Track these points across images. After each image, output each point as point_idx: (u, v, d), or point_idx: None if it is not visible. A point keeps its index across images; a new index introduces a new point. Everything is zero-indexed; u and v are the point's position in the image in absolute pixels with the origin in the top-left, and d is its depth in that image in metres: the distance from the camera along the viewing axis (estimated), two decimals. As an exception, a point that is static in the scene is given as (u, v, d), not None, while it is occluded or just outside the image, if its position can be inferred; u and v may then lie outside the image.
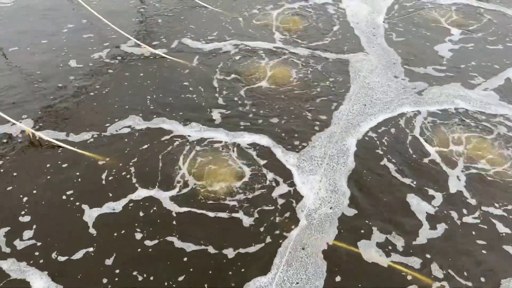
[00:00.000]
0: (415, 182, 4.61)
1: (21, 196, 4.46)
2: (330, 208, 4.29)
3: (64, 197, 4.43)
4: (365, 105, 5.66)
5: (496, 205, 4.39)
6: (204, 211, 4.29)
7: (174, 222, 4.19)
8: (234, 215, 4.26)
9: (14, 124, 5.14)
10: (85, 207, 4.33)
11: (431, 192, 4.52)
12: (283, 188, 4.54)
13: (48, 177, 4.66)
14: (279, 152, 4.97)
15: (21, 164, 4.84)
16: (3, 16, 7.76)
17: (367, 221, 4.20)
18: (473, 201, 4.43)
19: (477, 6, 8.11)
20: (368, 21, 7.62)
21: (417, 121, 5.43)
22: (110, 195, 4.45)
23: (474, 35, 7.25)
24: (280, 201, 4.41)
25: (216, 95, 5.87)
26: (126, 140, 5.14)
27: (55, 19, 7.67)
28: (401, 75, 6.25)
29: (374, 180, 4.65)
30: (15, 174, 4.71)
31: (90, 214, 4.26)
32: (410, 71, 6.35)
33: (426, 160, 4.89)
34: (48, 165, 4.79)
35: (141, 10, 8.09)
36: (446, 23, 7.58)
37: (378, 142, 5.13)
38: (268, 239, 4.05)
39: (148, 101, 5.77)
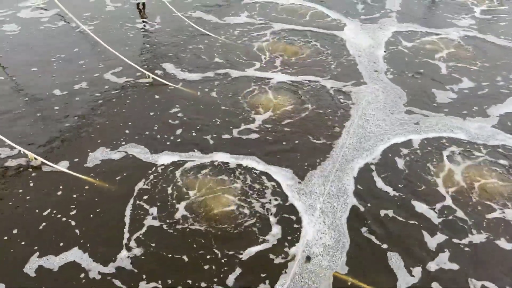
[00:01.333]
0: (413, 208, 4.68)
1: (22, 219, 4.51)
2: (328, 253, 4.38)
3: (64, 219, 4.53)
4: (361, 139, 5.71)
5: (503, 238, 4.46)
6: (200, 238, 4.39)
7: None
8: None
9: (16, 148, 5.21)
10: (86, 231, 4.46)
11: (432, 227, 4.56)
12: (280, 220, 4.57)
13: (49, 200, 4.72)
14: (279, 183, 5.01)
15: (23, 188, 4.87)
16: (10, 43, 7.86)
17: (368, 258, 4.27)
18: (478, 236, 4.45)
19: (476, 37, 8.26)
20: (368, 52, 7.73)
21: (416, 151, 5.48)
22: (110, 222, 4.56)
23: (472, 67, 7.35)
24: (278, 236, 4.42)
25: (218, 122, 5.95)
26: (128, 166, 5.20)
27: (60, 47, 7.77)
28: (399, 106, 6.31)
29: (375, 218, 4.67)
30: (17, 197, 4.75)
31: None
32: (408, 101, 6.42)
33: (427, 190, 4.94)
34: (50, 189, 4.86)
35: (145, 39, 8.22)
36: (445, 54, 7.71)
37: (377, 174, 5.19)
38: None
39: (149, 127, 5.84)
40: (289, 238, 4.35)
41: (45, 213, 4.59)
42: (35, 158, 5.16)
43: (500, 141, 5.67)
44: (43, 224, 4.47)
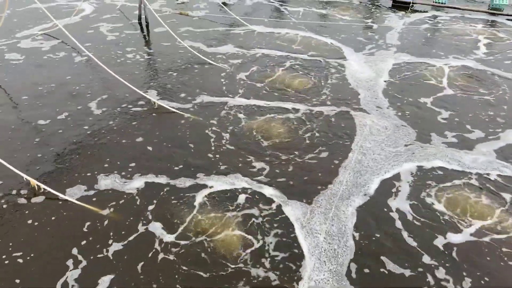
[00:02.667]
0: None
1: (22, 247, 4.38)
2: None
3: (65, 247, 4.38)
4: (359, 173, 5.63)
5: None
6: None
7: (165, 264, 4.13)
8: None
9: (20, 175, 5.11)
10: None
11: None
12: (283, 250, 4.47)
13: (51, 227, 4.60)
14: (283, 209, 4.92)
15: (26, 214, 4.75)
16: (14, 71, 7.85)
17: None
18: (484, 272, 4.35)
19: (475, 68, 8.33)
20: (368, 82, 7.76)
21: (414, 182, 5.41)
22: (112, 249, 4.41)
23: (473, 96, 7.38)
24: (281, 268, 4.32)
25: (219, 148, 5.89)
26: (131, 194, 5.08)
27: (63, 75, 7.77)
28: (398, 136, 6.27)
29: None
30: (21, 223, 4.66)
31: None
32: (407, 131, 6.38)
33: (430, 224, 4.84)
34: (52, 218, 4.74)
35: (148, 66, 8.24)
36: (444, 85, 7.74)
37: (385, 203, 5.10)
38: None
39: (153, 154, 5.76)
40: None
41: (48, 243, 4.43)
42: (38, 185, 5.03)
43: (501, 172, 5.61)
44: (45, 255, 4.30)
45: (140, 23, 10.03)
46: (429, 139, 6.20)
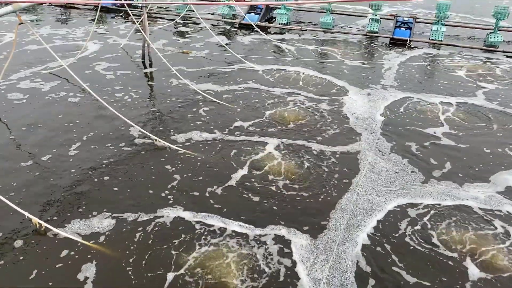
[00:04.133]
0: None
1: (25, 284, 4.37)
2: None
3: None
4: (356, 213, 5.66)
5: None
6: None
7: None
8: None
9: (21, 213, 5.12)
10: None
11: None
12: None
13: (54, 267, 4.58)
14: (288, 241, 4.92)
15: (27, 254, 4.74)
16: (18, 110, 7.97)
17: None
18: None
19: (473, 104, 8.46)
20: (367, 119, 7.87)
21: (416, 219, 5.41)
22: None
23: (472, 133, 7.47)
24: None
25: (219, 184, 5.92)
26: (132, 232, 5.08)
27: (65, 113, 7.89)
28: (398, 173, 6.30)
29: None
30: (22, 263, 4.62)
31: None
32: (408, 168, 6.43)
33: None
34: (54, 256, 4.72)
35: (150, 103, 8.38)
36: (443, 121, 7.85)
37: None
38: None
39: (153, 190, 5.78)
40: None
41: (49, 284, 4.40)
42: (39, 223, 5.03)
43: (505, 208, 5.61)
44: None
45: (143, 62, 10.25)
46: (428, 176, 6.22)
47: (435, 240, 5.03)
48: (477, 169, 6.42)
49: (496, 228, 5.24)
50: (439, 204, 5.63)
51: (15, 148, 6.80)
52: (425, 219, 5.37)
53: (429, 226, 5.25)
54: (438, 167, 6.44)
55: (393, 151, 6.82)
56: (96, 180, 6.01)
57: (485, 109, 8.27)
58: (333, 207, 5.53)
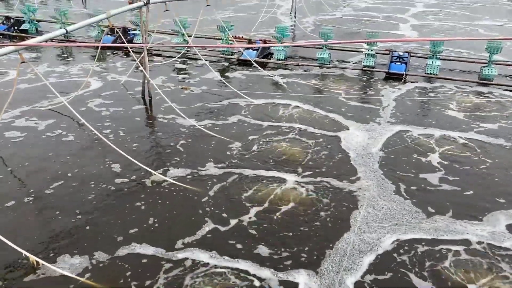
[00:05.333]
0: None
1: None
2: None
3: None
4: (357, 251, 5.63)
5: None
6: None
7: None
8: None
9: (18, 250, 5.07)
10: None
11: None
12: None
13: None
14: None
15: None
16: (15, 146, 8.02)
17: None
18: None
19: (469, 138, 8.54)
20: (366, 152, 7.93)
21: (420, 257, 5.38)
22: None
23: (469, 167, 7.49)
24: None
25: (214, 220, 5.90)
26: (130, 270, 5.03)
27: (63, 148, 7.93)
28: (401, 209, 6.28)
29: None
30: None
31: None
32: (410, 203, 6.41)
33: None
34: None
35: (154, 140, 8.45)
36: (440, 155, 7.89)
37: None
38: None
39: (152, 227, 5.75)
40: None
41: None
42: (36, 261, 4.97)
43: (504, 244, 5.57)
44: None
45: (143, 98, 10.37)
46: (427, 212, 6.19)
47: (441, 276, 4.97)
48: (477, 206, 6.39)
49: (501, 268, 5.19)
50: (440, 240, 5.59)
51: (10, 185, 6.78)
52: (427, 256, 5.32)
53: (432, 263, 5.20)
54: (438, 203, 6.42)
55: (392, 186, 6.81)
56: (93, 215, 5.97)
57: (481, 143, 8.32)
58: (330, 247, 5.45)
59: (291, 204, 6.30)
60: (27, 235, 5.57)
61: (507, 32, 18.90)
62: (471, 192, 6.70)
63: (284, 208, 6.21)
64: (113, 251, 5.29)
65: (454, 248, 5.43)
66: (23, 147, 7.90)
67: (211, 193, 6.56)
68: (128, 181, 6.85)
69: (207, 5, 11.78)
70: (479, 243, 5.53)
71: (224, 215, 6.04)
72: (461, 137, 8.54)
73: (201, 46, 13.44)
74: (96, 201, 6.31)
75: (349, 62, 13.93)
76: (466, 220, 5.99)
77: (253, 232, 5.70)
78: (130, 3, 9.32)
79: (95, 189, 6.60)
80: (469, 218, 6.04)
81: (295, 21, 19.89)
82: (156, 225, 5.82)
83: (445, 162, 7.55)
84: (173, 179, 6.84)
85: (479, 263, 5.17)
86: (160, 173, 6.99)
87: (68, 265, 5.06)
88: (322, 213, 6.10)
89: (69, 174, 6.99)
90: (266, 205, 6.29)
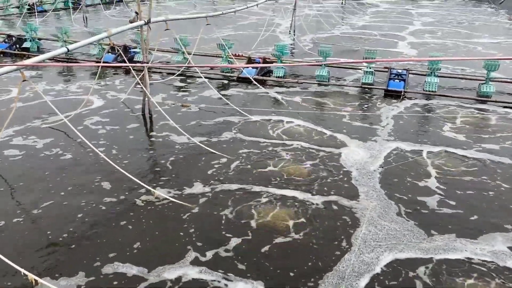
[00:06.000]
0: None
1: None
2: None
3: None
4: (355, 268, 5.61)
5: None
6: None
7: None
8: None
9: (17, 269, 5.04)
10: None
11: None
12: None
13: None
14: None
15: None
16: (19, 165, 8.03)
17: None
18: None
19: (468, 155, 8.57)
20: (365, 171, 7.93)
21: (425, 277, 5.35)
22: None
23: (470, 184, 7.51)
24: None
25: (211, 240, 5.89)
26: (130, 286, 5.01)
27: (61, 167, 7.95)
28: (402, 227, 6.26)
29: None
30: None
31: None
32: (408, 221, 6.41)
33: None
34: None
35: (154, 157, 8.48)
36: (440, 172, 7.91)
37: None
38: None
39: (150, 244, 5.74)
40: None
41: None
42: (35, 280, 4.94)
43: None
44: None
45: (143, 115, 10.41)
46: (428, 231, 6.17)
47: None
48: (478, 225, 6.37)
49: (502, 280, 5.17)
50: (441, 259, 5.56)
51: (8, 204, 6.77)
52: (431, 275, 5.29)
53: (436, 282, 5.16)
54: (438, 221, 6.41)
55: (392, 204, 6.80)
56: (90, 234, 5.96)
57: (481, 161, 8.34)
58: (329, 269, 5.40)
59: (289, 222, 6.28)
60: (24, 253, 5.55)
61: (504, 50, 19.08)
62: (471, 211, 6.69)
63: (281, 227, 6.19)
64: (110, 269, 5.27)
65: (456, 266, 5.41)
66: (21, 164, 7.91)
67: (207, 210, 6.55)
68: (126, 198, 6.85)
69: (207, 24, 11.92)
70: (480, 263, 5.50)
71: (220, 233, 6.02)
72: (460, 155, 8.55)
73: (201, 66, 13.52)
74: (93, 220, 6.30)
75: (347, 79, 14.02)
76: (467, 238, 5.97)
77: (248, 251, 5.67)
78: (131, 22, 9.44)
79: (92, 208, 6.59)
80: (470, 237, 6.02)
81: (294, 39, 20.07)
82: (148, 244, 5.81)
83: (445, 180, 7.56)
84: (172, 197, 6.83)
85: (481, 282, 5.14)
86: (159, 190, 6.99)
87: (66, 284, 5.02)
88: (321, 234, 6.06)
89: (65, 192, 6.99)
90: (262, 223, 6.27)
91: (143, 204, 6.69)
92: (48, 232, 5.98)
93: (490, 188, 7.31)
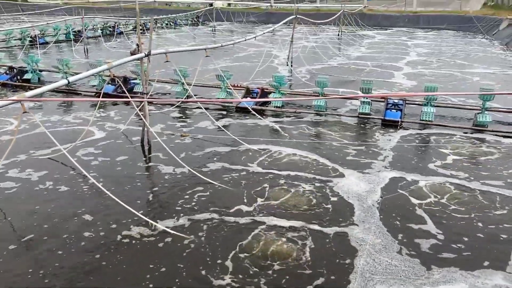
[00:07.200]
0: None
1: None
2: None
3: None
4: None
5: None
6: None
7: None
8: None
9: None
10: None
11: None
12: None
13: None
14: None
15: None
16: (11, 196, 8.02)
17: None
18: None
19: (467, 186, 8.61)
20: (363, 201, 7.92)
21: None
22: None
23: (467, 215, 7.50)
24: None
25: (213, 268, 5.84)
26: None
27: (58, 198, 7.93)
28: (400, 260, 6.23)
29: None
30: None
31: None
32: (410, 254, 6.38)
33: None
34: None
35: (152, 188, 8.47)
36: (438, 201, 7.92)
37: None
38: None
39: (149, 279, 5.69)
40: None
41: None
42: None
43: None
44: None
45: (142, 146, 10.46)
46: (427, 264, 6.12)
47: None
48: (479, 253, 6.36)
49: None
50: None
51: (5, 233, 6.73)
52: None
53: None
54: (438, 253, 6.37)
55: (391, 235, 6.77)
56: (87, 268, 5.89)
57: (478, 191, 8.35)
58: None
59: (286, 255, 6.23)
60: (23, 284, 5.47)
61: (499, 79, 19.36)
62: (466, 242, 6.66)
63: (279, 259, 6.13)
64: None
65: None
66: (18, 196, 7.89)
67: (204, 241, 6.51)
68: (122, 230, 6.80)
69: (207, 56, 12.13)
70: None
71: (217, 263, 5.97)
72: (458, 184, 8.57)
73: (200, 101, 13.65)
74: (88, 252, 6.24)
75: (345, 109, 14.15)
76: (469, 271, 5.92)
77: (245, 284, 5.60)
78: (132, 54, 9.61)
79: (90, 240, 6.55)
80: (469, 269, 5.97)
81: (291, 70, 20.37)
82: (148, 275, 5.74)
83: (444, 210, 7.55)
84: (169, 228, 6.79)
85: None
86: (155, 220, 6.96)
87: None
88: (318, 269, 5.99)
89: (62, 223, 6.97)
90: (258, 255, 6.22)
91: (140, 236, 6.65)
92: (43, 265, 5.93)
93: (490, 219, 7.29)
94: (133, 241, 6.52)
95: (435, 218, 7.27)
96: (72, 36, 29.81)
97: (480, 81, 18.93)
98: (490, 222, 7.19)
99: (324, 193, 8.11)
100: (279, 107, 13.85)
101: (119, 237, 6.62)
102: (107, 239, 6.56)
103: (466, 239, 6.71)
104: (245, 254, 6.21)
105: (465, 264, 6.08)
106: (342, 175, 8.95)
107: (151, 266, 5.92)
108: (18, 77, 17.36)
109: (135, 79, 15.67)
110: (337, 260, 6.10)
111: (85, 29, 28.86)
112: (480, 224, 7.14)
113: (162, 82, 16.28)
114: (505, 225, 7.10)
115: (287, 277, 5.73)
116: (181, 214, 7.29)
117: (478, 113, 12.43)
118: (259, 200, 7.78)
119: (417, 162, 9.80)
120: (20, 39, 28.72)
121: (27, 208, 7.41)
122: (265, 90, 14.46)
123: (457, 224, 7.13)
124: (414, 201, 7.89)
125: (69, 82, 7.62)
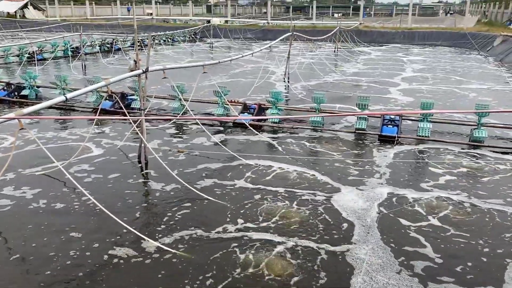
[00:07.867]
0: None
1: None
2: None
3: None
4: None
5: None
6: None
7: None
8: None
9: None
10: None
11: None
12: None
13: None
14: None
15: None
16: (8, 213, 7.98)
17: None
18: None
19: (463, 201, 8.60)
20: (361, 216, 7.90)
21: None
22: None
23: (463, 230, 7.49)
24: None
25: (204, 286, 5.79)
26: None
27: (54, 216, 7.91)
28: (399, 276, 6.21)
29: None
30: None
31: None
32: (408, 269, 6.37)
33: None
34: None
35: (149, 205, 8.45)
36: (435, 217, 7.90)
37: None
38: None
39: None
40: None
41: None
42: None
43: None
44: None
45: (139, 161, 10.44)
46: (424, 282, 6.08)
47: None
48: (476, 273, 6.33)
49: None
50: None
51: (4, 250, 6.67)
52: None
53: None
54: (436, 270, 6.34)
55: (389, 252, 6.74)
56: (83, 282, 5.84)
57: (475, 205, 8.36)
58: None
59: (282, 272, 6.18)
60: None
61: (494, 95, 19.50)
62: (464, 260, 6.62)
63: (275, 276, 6.09)
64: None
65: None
66: (13, 212, 7.84)
67: (203, 258, 6.47)
68: (119, 247, 6.76)
69: (204, 72, 12.19)
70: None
71: (214, 281, 5.91)
72: (454, 200, 8.56)
73: (198, 118, 13.67)
74: (83, 271, 6.19)
75: (341, 125, 14.21)
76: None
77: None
78: (130, 70, 9.66)
79: (83, 258, 6.50)
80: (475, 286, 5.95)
81: (288, 86, 20.48)
82: (149, 293, 5.69)
83: (442, 226, 7.54)
84: (166, 246, 6.75)
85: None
86: (152, 239, 6.91)
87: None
88: (315, 279, 5.97)
89: (57, 240, 6.91)
90: (256, 272, 6.17)
91: (137, 254, 6.60)
92: (37, 282, 5.87)
93: (488, 236, 7.26)
94: (125, 256, 6.47)
95: (431, 237, 7.24)
96: (70, 53, 29.92)
97: (477, 97, 19.05)
98: (488, 240, 7.16)
99: (319, 209, 8.09)
100: (276, 123, 13.89)
101: (114, 253, 6.56)
102: (101, 256, 6.50)
103: (463, 257, 6.67)
104: (239, 271, 6.17)
105: (463, 283, 6.04)
106: (338, 191, 8.94)
107: (147, 282, 5.86)
108: (16, 93, 17.38)
109: (132, 95, 15.72)
110: (331, 276, 6.05)
111: (83, 46, 29.02)
112: (479, 242, 7.10)
113: (159, 98, 16.33)
114: (502, 241, 7.08)
115: (285, 294, 5.68)
116: (178, 231, 7.24)
117: (474, 129, 12.49)
118: (255, 217, 7.75)
119: (414, 177, 9.81)
120: (18, 56, 28.83)
121: (22, 224, 7.35)
122: (262, 106, 14.52)
123: (454, 241, 7.10)
124: (411, 217, 7.87)
125: (66, 99, 7.63)
